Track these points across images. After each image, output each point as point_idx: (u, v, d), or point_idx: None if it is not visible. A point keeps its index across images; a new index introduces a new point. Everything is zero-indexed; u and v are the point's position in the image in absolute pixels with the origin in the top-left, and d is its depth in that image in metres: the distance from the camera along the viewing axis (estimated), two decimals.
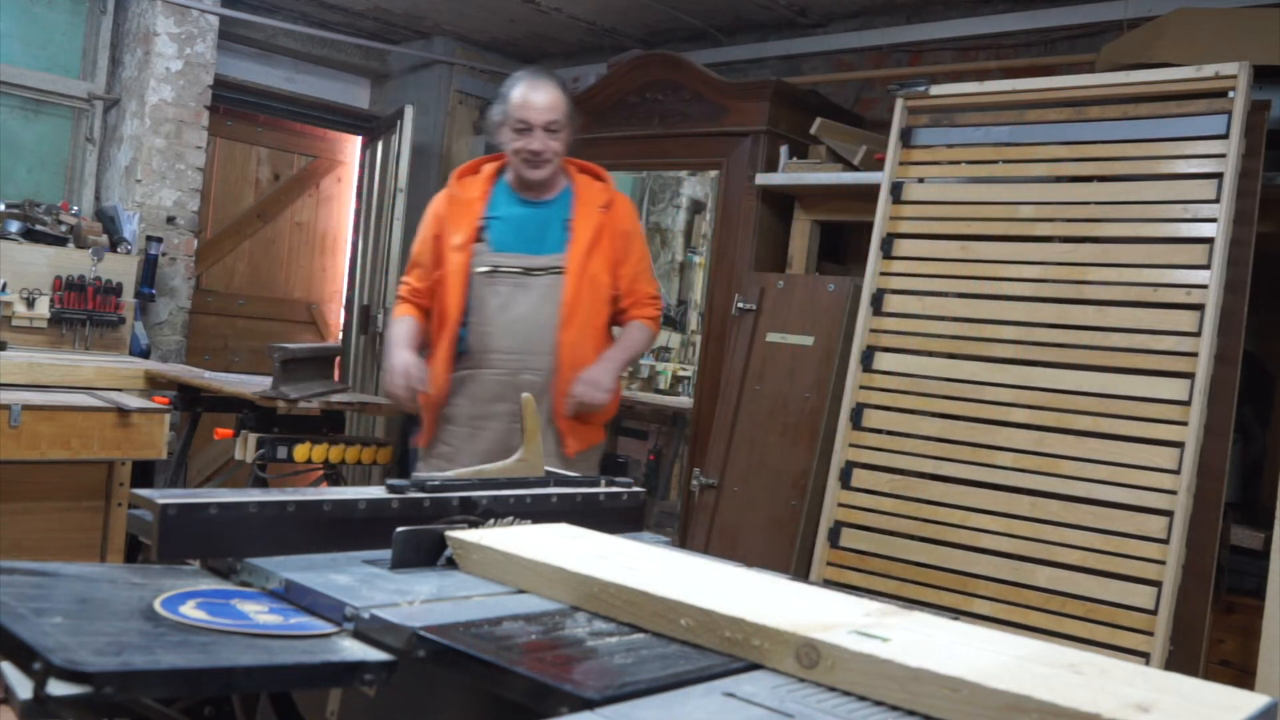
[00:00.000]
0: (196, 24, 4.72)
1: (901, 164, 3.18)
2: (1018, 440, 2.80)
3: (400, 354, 2.78)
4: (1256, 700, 1.01)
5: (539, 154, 2.78)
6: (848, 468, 3.06)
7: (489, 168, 2.94)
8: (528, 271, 2.80)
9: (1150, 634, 2.60)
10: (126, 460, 3.43)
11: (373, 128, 5.69)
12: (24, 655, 0.89)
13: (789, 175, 3.95)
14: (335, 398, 3.49)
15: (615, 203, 2.91)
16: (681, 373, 4.86)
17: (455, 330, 2.81)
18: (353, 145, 6.09)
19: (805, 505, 3.40)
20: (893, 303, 3.10)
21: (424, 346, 2.91)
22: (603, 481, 1.79)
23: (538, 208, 2.87)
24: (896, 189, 3.16)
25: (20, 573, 1.13)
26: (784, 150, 4.00)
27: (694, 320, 4.98)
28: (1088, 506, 2.68)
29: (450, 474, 1.62)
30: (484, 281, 2.80)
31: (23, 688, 0.90)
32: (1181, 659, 2.65)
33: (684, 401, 4.50)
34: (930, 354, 3.02)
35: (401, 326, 2.89)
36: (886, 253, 3.14)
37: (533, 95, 2.78)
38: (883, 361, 3.07)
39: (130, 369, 3.83)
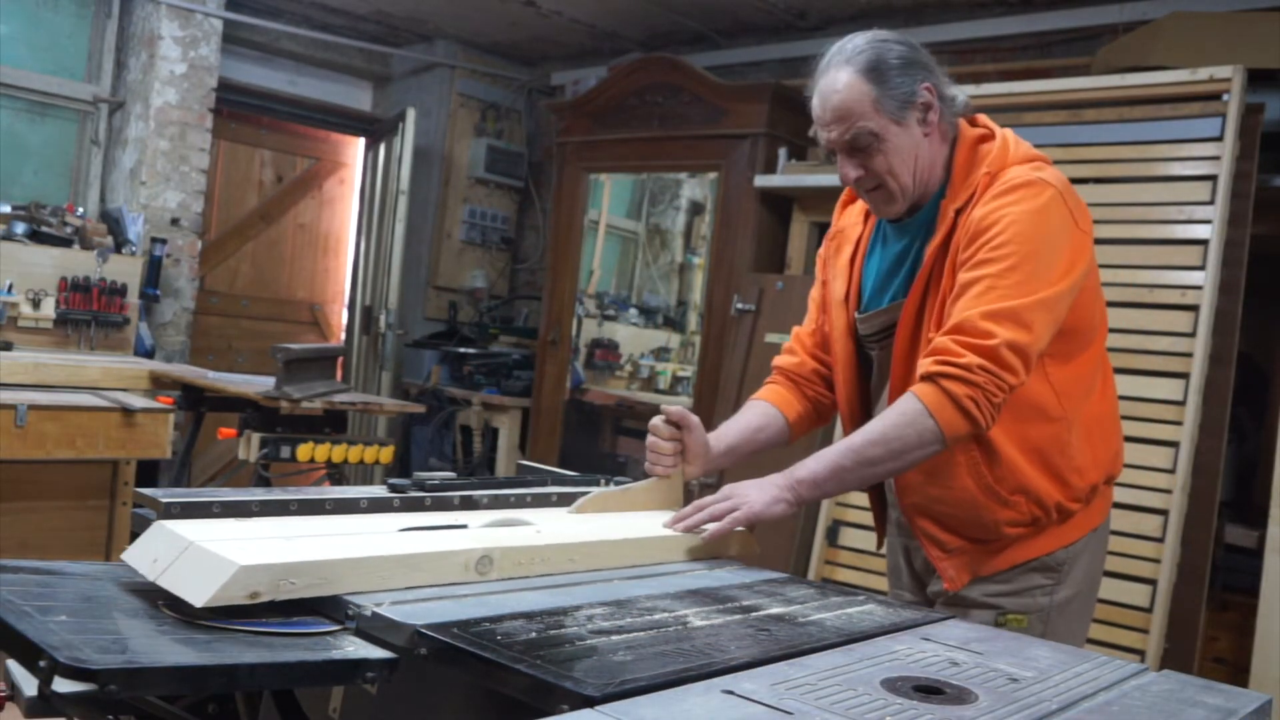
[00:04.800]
0: (200, 27, 4.74)
1: None
2: None
3: None
4: (1251, 698, 1.03)
5: (860, 184, 1.69)
6: None
7: None
8: (870, 338, 1.78)
9: (1145, 631, 2.62)
10: (131, 460, 3.46)
11: (375, 130, 5.70)
12: (30, 653, 0.90)
13: (787, 177, 3.97)
14: (338, 398, 3.51)
15: (979, 197, 1.62)
16: (681, 373, 4.87)
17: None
18: (355, 147, 6.11)
19: None
20: None
21: None
22: (602, 481, 1.81)
23: (902, 236, 1.75)
24: None
25: (26, 571, 1.15)
26: (782, 152, 4.02)
27: (693, 321, 4.99)
28: None
29: (451, 473, 1.64)
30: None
31: (28, 685, 0.91)
32: (1176, 656, 2.67)
33: (684, 401, 4.51)
34: None
35: None
36: None
37: (822, 84, 1.66)
38: None
39: (135, 369, 3.84)
